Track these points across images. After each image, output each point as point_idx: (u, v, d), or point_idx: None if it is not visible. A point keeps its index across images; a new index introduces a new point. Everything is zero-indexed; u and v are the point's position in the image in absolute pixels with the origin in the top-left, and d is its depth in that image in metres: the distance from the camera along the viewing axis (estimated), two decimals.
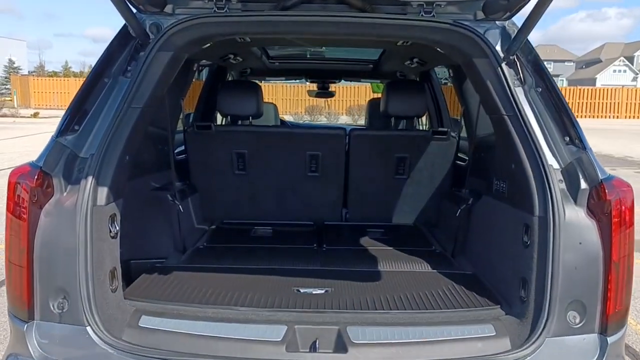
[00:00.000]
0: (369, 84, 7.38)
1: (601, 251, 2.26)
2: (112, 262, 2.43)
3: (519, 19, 2.70)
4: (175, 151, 4.47)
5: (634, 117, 41.28)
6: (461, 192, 3.87)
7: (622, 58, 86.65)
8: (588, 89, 43.14)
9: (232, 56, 4.76)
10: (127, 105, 2.49)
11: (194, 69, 4.17)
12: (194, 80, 4.51)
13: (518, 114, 2.50)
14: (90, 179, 2.32)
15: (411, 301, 2.58)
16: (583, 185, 2.32)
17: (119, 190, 2.52)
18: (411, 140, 4.13)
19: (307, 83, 6.77)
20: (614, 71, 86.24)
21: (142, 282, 2.78)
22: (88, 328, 2.22)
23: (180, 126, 4.20)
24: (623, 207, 2.26)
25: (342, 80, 6.44)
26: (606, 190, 2.27)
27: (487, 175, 3.15)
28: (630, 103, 41.58)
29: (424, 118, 5.78)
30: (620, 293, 2.28)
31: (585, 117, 41.13)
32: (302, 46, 4.80)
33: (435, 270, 3.07)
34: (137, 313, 2.41)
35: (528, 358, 2.16)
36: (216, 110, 4.57)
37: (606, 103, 41.63)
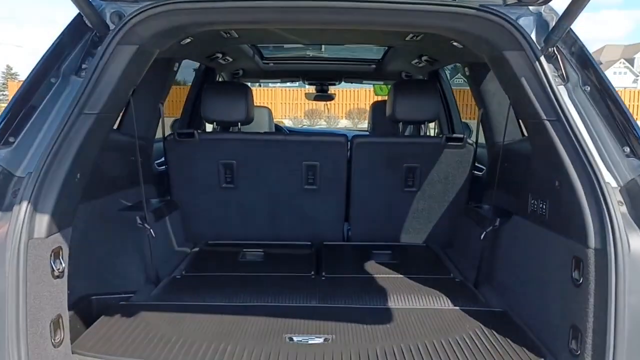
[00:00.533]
0: (371, 86, 6.87)
1: None
2: (55, 308, 1.93)
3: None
4: (156, 162, 3.98)
5: (635, 119, 40.88)
6: (481, 208, 3.37)
7: (622, 60, 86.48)
8: None
9: (220, 55, 4.26)
10: (78, 110, 2.00)
11: (175, 69, 3.68)
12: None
13: (562, 118, 2.01)
14: (25, 204, 1.83)
15: (432, 354, 2.08)
16: None
17: (65, 217, 2.02)
18: (422, 147, 3.63)
19: (306, 86, 6.24)
20: (614, 73, 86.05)
21: (99, 327, 2.28)
22: None
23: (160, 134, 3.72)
24: None
25: (343, 83, 5.94)
26: None
27: (518, 192, 2.65)
28: (632, 105, 41.12)
29: (432, 123, 5.28)
30: None
31: None
32: (297, 43, 4.31)
33: (457, 307, 2.56)
34: None
35: None
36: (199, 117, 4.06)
37: None
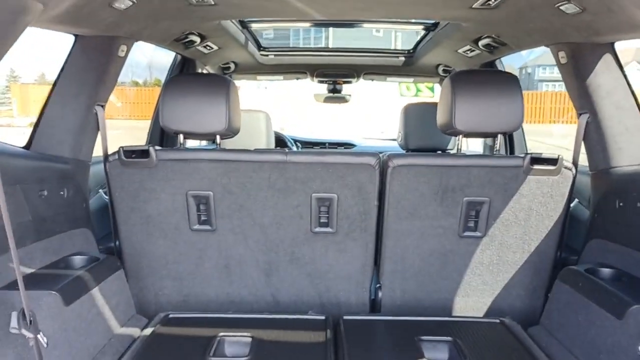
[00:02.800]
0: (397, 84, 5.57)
1: None
2: None
3: None
4: (102, 190, 2.78)
5: None
6: (599, 276, 2.15)
7: (634, 62, 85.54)
8: None
9: (197, 39, 3.06)
10: None
11: (121, 54, 2.47)
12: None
13: None
14: None
15: None
16: None
17: None
18: (492, 173, 2.39)
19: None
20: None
21: None
22: None
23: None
24: None
25: (361, 80, 4.68)
26: None
27: None
28: None
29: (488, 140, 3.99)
30: None
31: None
32: (303, 18, 3.10)
33: None
34: None
35: None
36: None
37: None
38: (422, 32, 3.62)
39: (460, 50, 3.39)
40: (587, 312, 2.02)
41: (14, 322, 1.54)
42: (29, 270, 1.87)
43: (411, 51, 3.98)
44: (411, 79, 4.84)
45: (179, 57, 3.61)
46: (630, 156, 2.26)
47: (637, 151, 2.27)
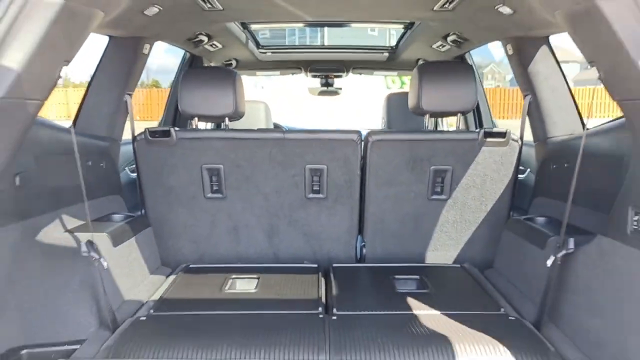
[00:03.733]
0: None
1: None
2: None
3: None
4: (128, 167, 3.28)
5: None
6: (534, 221, 2.66)
7: None
8: (599, 89, 42.14)
9: (205, 39, 3.56)
10: None
11: (145, 51, 2.98)
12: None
13: None
14: None
15: None
16: None
17: None
18: (454, 146, 2.91)
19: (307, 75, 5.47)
20: None
21: None
22: None
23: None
24: None
25: (350, 74, 5.21)
26: None
27: (602, 203, 1.93)
28: None
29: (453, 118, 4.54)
30: None
31: (597, 117, 39.99)
32: (296, 20, 3.60)
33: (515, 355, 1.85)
34: None
35: None
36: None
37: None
38: (402, 30, 4.13)
39: (434, 46, 3.89)
40: (523, 250, 2.53)
41: (84, 248, 2.06)
42: (87, 219, 2.37)
43: (394, 47, 4.48)
44: (395, 73, 5.36)
45: (188, 54, 4.12)
46: (562, 128, 2.77)
47: (568, 124, 2.78)
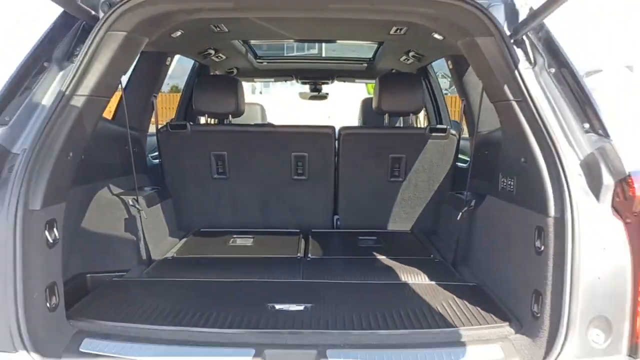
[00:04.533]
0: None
1: (629, 258, 1.89)
2: (49, 275, 2.05)
3: None
4: (150, 155, 4.11)
5: None
6: (462, 194, 3.50)
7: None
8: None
9: (212, 52, 4.40)
10: (70, 92, 2.13)
11: (167, 63, 3.82)
12: None
13: (528, 99, 2.14)
14: (21, 178, 1.95)
15: (405, 319, 2.20)
16: (606, 179, 1.94)
17: (59, 192, 2.14)
18: (407, 139, 3.75)
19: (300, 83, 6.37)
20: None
21: (93, 298, 2.40)
22: (17, 355, 1.85)
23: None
24: None
25: (335, 81, 6.08)
26: (635, 185, 1.90)
27: (492, 174, 2.77)
28: None
29: (422, 117, 5.39)
30: None
31: None
32: (286, 38, 4.44)
33: (433, 282, 2.68)
34: (80, 335, 2.04)
35: None
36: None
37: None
38: (376, 46, 4.98)
39: (401, 59, 4.74)
40: (449, 214, 3.36)
41: (131, 203, 2.90)
42: (123, 189, 3.20)
43: (371, 59, 5.32)
44: (373, 81, 6.23)
45: (197, 64, 4.95)
46: (486, 125, 3.61)
47: (490, 122, 3.62)
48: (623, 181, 1.93)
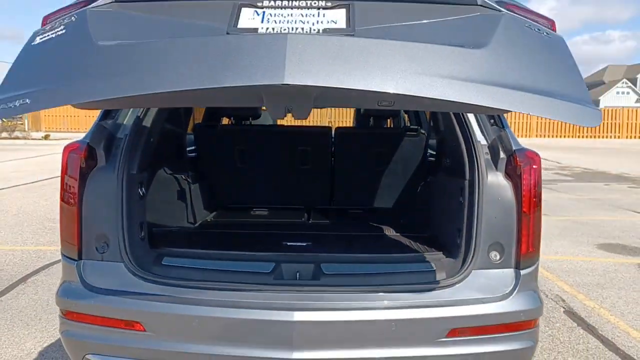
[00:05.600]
0: None
1: (515, 205, 2.94)
2: (140, 217, 3.13)
3: None
4: (188, 149, 5.22)
5: (634, 137, 41.87)
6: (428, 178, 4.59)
7: (624, 80, 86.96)
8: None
9: None
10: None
11: None
12: None
13: None
14: (125, 153, 3.04)
15: (375, 248, 3.28)
16: (502, 155, 3.00)
17: (146, 163, 3.23)
18: (388, 137, 4.85)
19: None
20: (617, 93, 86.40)
21: (163, 237, 3.49)
22: (123, 264, 2.88)
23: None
24: (532, 171, 2.94)
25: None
26: (517, 158, 2.96)
27: (444, 159, 3.86)
28: (631, 123, 42.15)
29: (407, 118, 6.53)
30: (531, 238, 2.92)
31: (588, 137, 41.77)
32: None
33: (399, 233, 3.76)
34: (160, 256, 3.10)
35: (458, 284, 2.82)
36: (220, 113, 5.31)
37: (608, 123, 42.19)
38: None
39: None
40: (417, 192, 4.43)
41: (184, 177, 4.00)
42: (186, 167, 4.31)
43: None
44: None
45: None
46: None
47: None
48: (511, 156, 3.00)
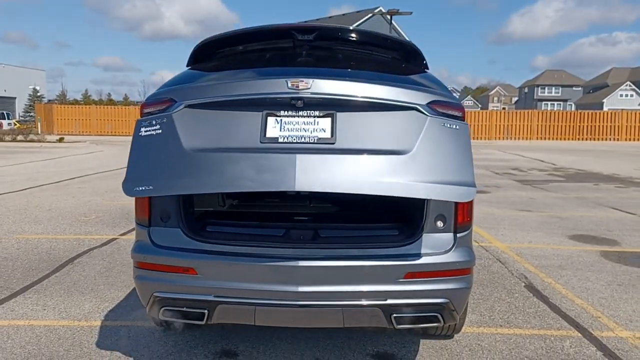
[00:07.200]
0: None
1: None
2: (190, 198, 4.10)
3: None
4: None
5: (633, 139, 42.60)
6: None
7: (628, 82, 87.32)
8: (590, 113, 44.32)
9: None
10: None
11: None
12: None
13: None
14: None
15: (357, 222, 4.31)
16: None
17: None
18: None
19: None
20: (621, 95, 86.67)
21: (204, 214, 4.53)
22: (179, 229, 3.80)
23: None
24: None
25: None
26: None
27: None
28: (630, 126, 42.89)
29: None
30: (465, 211, 3.79)
31: (587, 139, 42.54)
32: None
33: (375, 210, 4.81)
34: (205, 224, 4.10)
35: (413, 244, 3.73)
36: None
37: (607, 126, 42.97)
38: None
39: None
40: None
41: None
42: None
43: None
44: None
45: None
46: None
47: None
48: None
